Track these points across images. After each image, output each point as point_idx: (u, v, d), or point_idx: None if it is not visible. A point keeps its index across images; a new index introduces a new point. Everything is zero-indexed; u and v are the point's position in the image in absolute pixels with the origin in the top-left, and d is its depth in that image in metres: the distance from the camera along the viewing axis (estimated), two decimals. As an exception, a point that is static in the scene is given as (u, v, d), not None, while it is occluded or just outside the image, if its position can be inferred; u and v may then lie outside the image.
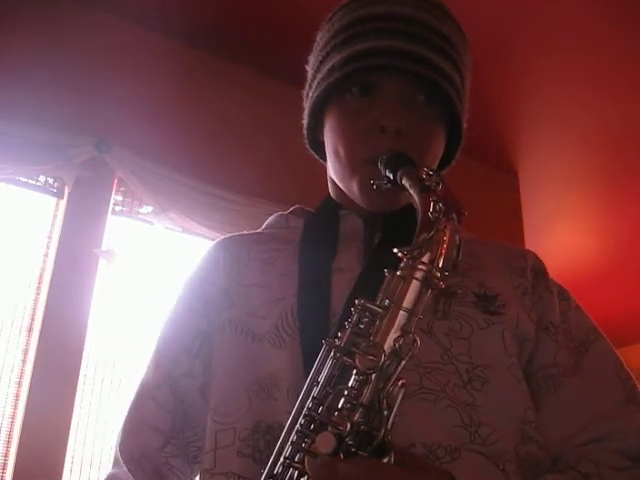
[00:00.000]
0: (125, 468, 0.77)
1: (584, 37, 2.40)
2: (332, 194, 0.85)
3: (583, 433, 0.69)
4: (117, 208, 2.32)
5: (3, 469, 1.87)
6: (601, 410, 0.70)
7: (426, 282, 0.55)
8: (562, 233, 3.78)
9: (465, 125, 0.80)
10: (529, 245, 3.15)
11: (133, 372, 2.18)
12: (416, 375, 0.65)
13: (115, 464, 0.79)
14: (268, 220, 0.89)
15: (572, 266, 3.86)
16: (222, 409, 0.71)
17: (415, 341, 0.53)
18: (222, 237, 0.87)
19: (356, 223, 0.79)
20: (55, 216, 2.20)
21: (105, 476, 0.79)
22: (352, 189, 0.76)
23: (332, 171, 0.81)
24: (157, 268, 2.32)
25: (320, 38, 0.82)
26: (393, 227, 0.76)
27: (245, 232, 0.87)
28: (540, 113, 2.87)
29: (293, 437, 0.55)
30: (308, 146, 0.87)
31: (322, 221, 0.82)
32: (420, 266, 0.55)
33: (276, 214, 0.89)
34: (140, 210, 2.38)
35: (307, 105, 0.82)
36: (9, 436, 1.90)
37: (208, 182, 2.36)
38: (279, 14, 2.36)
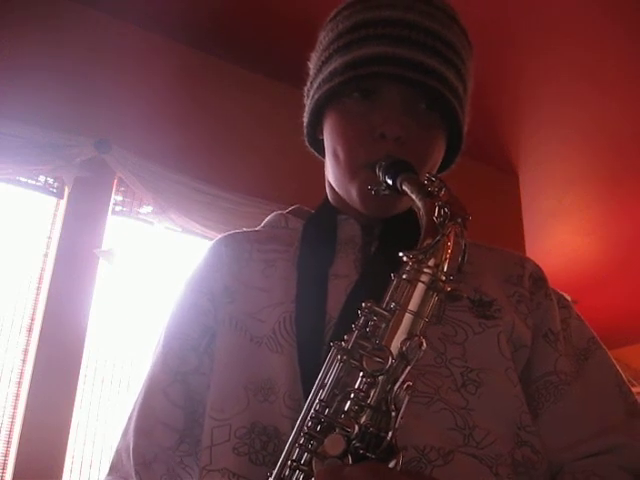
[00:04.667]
0: (124, 474, 0.74)
1: (584, 36, 2.40)
2: (329, 197, 0.85)
3: (587, 444, 0.69)
4: (117, 208, 2.32)
5: (3, 469, 1.87)
6: (604, 421, 0.70)
7: (432, 285, 0.56)
8: (562, 233, 3.78)
9: (465, 129, 0.79)
10: (529, 245, 3.15)
11: (133, 372, 2.18)
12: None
13: (112, 471, 0.77)
14: (267, 219, 0.89)
15: (572, 266, 3.87)
16: (218, 405, 0.71)
17: (422, 344, 0.54)
18: (223, 234, 0.86)
19: (354, 229, 0.79)
20: (55, 216, 2.21)
21: None
22: (350, 193, 0.76)
23: (330, 174, 0.81)
24: (157, 268, 2.32)
25: (323, 37, 0.81)
26: (390, 234, 0.77)
27: (245, 229, 0.87)
28: (540, 113, 2.87)
29: (300, 439, 0.55)
30: (308, 144, 0.87)
31: (320, 226, 0.82)
32: (426, 270, 0.56)
33: (275, 213, 0.88)
34: (140, 210, 2.38)
35: (308, 104, 0.82)
36: (9, 436, 1.90)
37: (208, 182, 2.36)
38: (279, 16, 2.36)
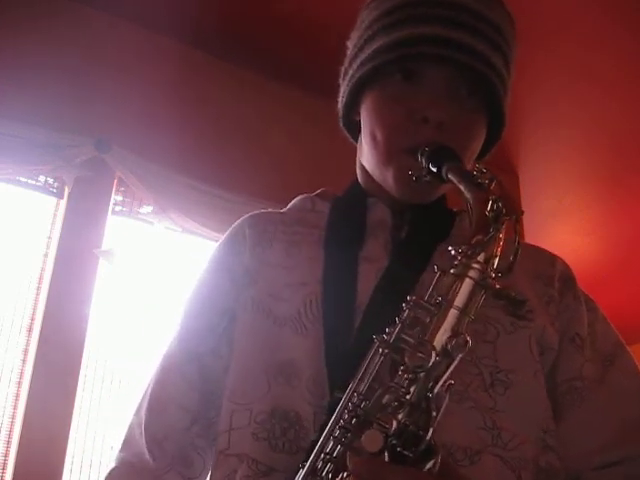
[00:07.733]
0: (137, 450, 0.74)
1: (584, 36, 2.40)
2: (360, 179, 0.82)
3: (603, 454, 0.68)
4: (117, 208, 2.32)
5: (3, 469, 1.87)
6: (623, 430, 0.69)
7: (481, 282, 0.54)
8: (562, 233, 3.77)
9: (506, 117, 0.77)
10: (529, 245, 3.14)
11: (133, 372, 2.18)
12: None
13: (125, 447, 0.76)
14: (293, 202, 0.87)
15: (572, 266, 3.85)
16: (239, 390, 0.70)
17: (467, 342, 0.52)
18: (248, 214, 0.84)
19: (384, 213, 0.76)
20: (55, 216, 2.20)
21: (114, 460, 0.76)
22: (386, 177, 0.73)
23: (365, 155, 0.78)
24: (157, 268, 2.32)
25: (366, 15, 0.77)
26: (420, 220, 0.75)
27: (271, 210, 0.86)
28: (540, 113, 2.87)
29: (336, 432, 0.53)
30: (342, 126, 0.84)
31: (349, 208, 0.80)
32: (475, 265, 0.54)
33: (302, 196, 0.86)
34: (140, 210, 2.38)
35: (345, 83, 0.79)
36: (9, 436, 1.90)
37: (208, 182, 2.36)
38: (280, 16, 2.36)
